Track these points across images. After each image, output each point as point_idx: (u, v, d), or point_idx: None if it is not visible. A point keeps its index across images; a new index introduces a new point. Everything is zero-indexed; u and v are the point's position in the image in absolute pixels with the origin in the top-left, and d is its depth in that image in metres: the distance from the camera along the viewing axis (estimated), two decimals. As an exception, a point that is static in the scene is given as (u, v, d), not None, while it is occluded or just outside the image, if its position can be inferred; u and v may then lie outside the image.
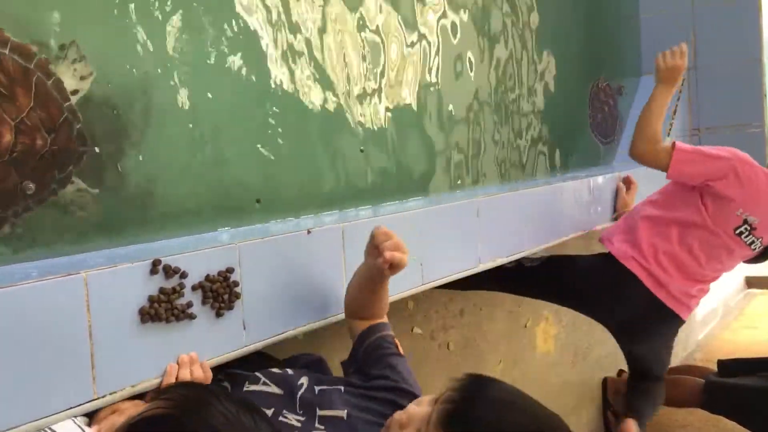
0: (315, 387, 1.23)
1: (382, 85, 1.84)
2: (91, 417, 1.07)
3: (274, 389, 1.23)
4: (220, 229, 1.38)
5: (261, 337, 1.30)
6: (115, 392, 1.06)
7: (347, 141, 1.73)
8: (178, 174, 1.31)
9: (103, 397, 1.04)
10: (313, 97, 1.61)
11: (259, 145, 1.47)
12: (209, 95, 1.36)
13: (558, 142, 2.78)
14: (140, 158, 1.24)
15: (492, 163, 2.34)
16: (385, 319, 1.39)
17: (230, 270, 1.23)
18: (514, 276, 2.40)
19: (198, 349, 1.18)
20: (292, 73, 1.55)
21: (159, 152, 1.27)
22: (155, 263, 1.12)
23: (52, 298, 0.99)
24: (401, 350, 1.33)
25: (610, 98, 3.24)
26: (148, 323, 1.11)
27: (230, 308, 1.24)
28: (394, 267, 1.22)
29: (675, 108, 3.20)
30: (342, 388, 1.23)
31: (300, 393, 1.21)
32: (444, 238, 1.79)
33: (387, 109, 1.86)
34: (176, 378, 1.13)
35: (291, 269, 1.35)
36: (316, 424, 1.16)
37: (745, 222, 2.15)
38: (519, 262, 2.35)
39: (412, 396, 1.20)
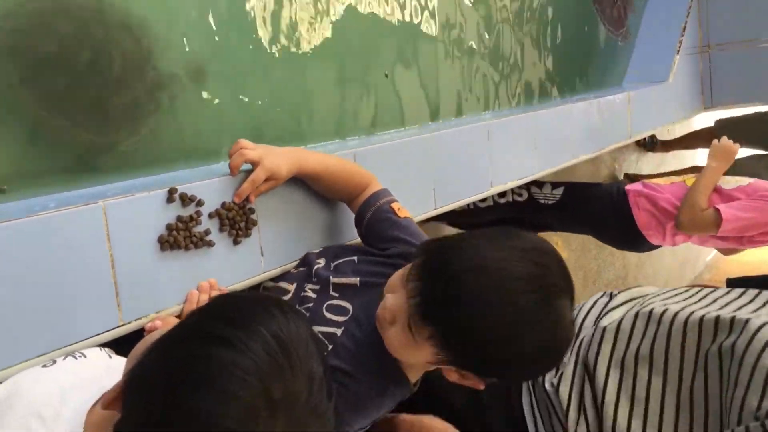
0: (331, 263, 1.27)
1: (404, 15, 1.82)
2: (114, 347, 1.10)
3: (300, 269, 1.30)
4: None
5: (279, 263, 1.31)
6: (140, 318, 1.08)
7: (373, 67, 1.72)
8: (196, 110, 1.31)
9: (128, 323, 1.06)
10: (333, 26, 1.60)
11: (274, 77, 1.46)
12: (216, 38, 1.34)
13: (567, 65, 2.74)
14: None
15: (502, 86, 2.31)
16: (372, 187, 1.34)
17: (246, 198, 1.23)
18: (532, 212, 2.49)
19: (217, 275, 1.19)
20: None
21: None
22: (171, 191, 1.12)
23: (72, 228, 0.99)
24: (402, 213, 1.30)
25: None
26: (168, 251, 1.12)
27: (247, 235, 1.24)
28: (255, 165, 1.20)
29: (684, 25, 3.13)
30: (356, 258, 1.26)
31: (316, 268, 1.26)
32: (455, 162, 1.79)
33: (407, 34, 1.85)
34: (197, 304, 1.14)
35: (306, 195, 1.36)
36: (331, 292, 1.21)
37: None
38: (532, 197, 2.44)
39: None
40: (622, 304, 1.24)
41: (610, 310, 1.23)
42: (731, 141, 2.41)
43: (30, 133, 1.08)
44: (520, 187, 2.47)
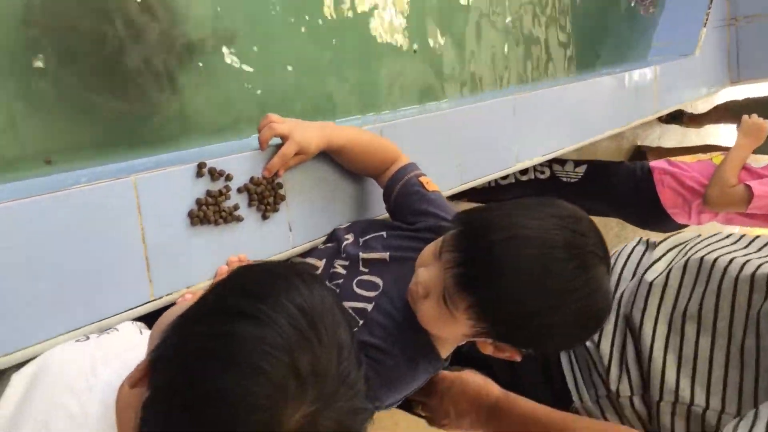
0: (359, 239, 1.26)
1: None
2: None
3: (328, 244, 1.30)
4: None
5: (307, 239, 1.30)
6: (171, 293, 1.07)
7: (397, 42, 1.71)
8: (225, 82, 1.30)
9: (160, 298, 1.06)
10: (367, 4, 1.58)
11: (303, 50, 1.44)
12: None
13: (592, 38, 2.70)
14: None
15: (525, 61, 2.28)
16: (400, 161, 1.32)
17: (275, 172, 1.22)
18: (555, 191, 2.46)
19: (246, 250, 1.18)
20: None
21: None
22: (201, 166, 1.11)
23: (103, 203, 0.99)
24: (430, 186, 1.28)
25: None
26: (198, 226, 1.11)
27: (276, 210, 1.24)
28: (285, 139, 1.18)
29: (712, -4, 3.07)
30: (384, 233, 1.25)
31: (344, 244, 1.25)
32: (481, 137, 1.77)
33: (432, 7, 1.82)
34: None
35: (333, 170, 1.34)
36: (360, 268, 1.20)
37: None
38: (554, 175, 2.41)
39: None
40: (664, 255, 1.20)
41: (653, 263, 1.20)
42: (762, 118, 2.36)
43: (72, 107, 1.08)
44: (542, 165, 2.44)
